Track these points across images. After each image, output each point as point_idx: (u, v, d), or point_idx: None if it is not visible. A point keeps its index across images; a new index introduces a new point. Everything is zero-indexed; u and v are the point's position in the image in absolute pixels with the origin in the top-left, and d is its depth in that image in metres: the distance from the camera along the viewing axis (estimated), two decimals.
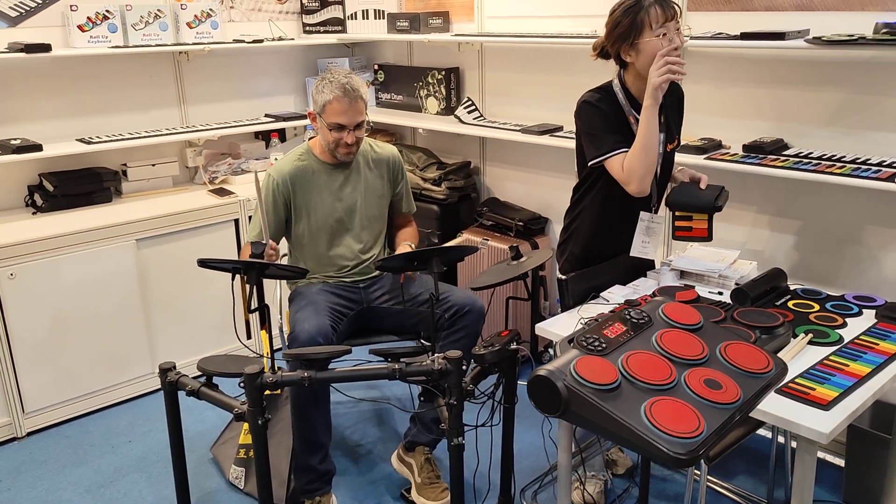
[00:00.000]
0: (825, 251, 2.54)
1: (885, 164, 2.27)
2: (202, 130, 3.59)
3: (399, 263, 2.16)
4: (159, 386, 3.27)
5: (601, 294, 2.19)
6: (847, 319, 2.02)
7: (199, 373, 2.10)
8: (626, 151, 2.14)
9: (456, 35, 3.39)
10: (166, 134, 3.49)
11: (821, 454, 2.60)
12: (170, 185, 3.66)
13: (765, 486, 2.52)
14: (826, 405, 1.60)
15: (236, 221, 3.44)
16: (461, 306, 2.46)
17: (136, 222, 3.13)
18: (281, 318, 2.96)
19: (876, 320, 2.01)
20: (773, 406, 1.60)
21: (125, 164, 3.52)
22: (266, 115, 3.91)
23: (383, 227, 2.73)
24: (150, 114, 3.60)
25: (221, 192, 3.52)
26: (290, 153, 2.68)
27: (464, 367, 1.94)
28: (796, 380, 1.70)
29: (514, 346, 2.06)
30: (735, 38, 2.37)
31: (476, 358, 2.04)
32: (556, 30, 3.12)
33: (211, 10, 3.55)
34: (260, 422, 1.89)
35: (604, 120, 2.16)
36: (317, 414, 2.34)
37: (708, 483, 2.54)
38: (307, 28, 3.98)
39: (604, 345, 1.42)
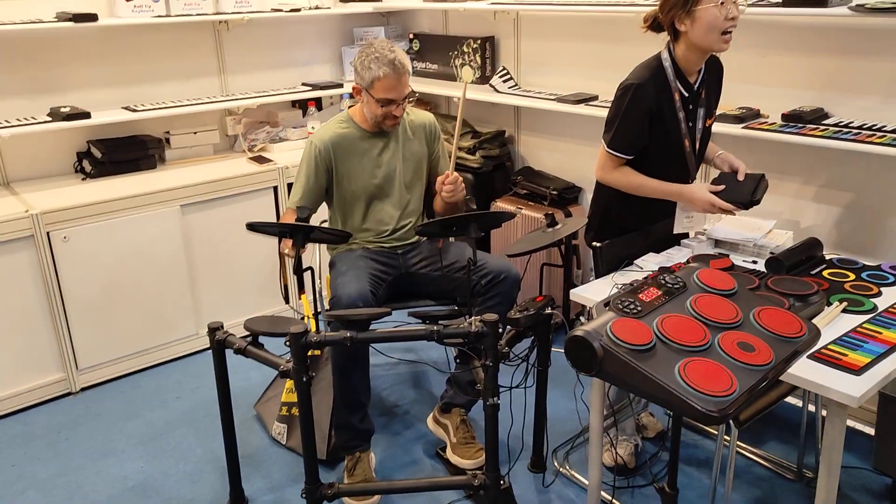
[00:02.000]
0: (862, 221, 2.53)
1: None
2: (241, 99, 3.66)
3: (438, 228, 2.22)
4: (204, 346, 3.44)
5: (635, 262, 2.23)
6: (882, 289, 2.03)
7: (246, 333, 2.20)
8: (627, 157, 2.21)
9: (493, 3, 3.39)
10: (207, 102, 3.57)
11: (851, 422, 2.63)
12: (210, 152, 3.75)
13: (794, 453, 2.56)
14: (858, 370, 1.63)
15: (275, 189, 3.52)
16: (497, 273, 2.51)
17: (180, 188, 3.23)
18: (321, 283, 3.05)
19: None
20: (806, 371, 1.63)
21: (168, 132, 3.62)
22: (303, 84, 3.96)
23: (422, 193, 2.78)
24: (191, 83, 3.68)
25: (260, 159, 3.60)
26: (331, 121, 2.73)
27: (500, 331, 2.00)
28: (829, 346, 1.73)
29: (548, 311, 2.12)
30: (777, 4, 2.35)
31: (511, 322, 2.10)
32: None
33: None
34: (304, 379, 1.98)
35: (630, 117, 2.17)
36: (357, 374, 2.42)
37: (738, 449, 2.59)
38: None
39: (639, 308, 1.47)
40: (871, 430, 2.60)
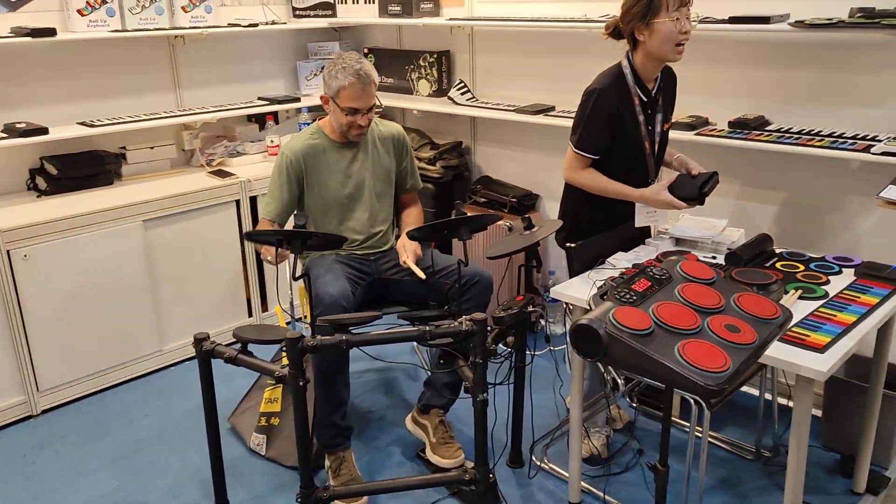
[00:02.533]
0: (804, 218, 2.76)
1: (859, 136, 2.49)
2: (198, 113, 3.65)
3: (429, 232, 2.30)
4: (169, 362, 3.40)
5: (607, 260, 2.37)
6: (830, 277, 2.23)
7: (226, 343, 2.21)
8: (592, 156, 2.38)
9: (451, 19, 3.51)
10: (164, 117, 3.54)
11: None
12: (167, 167, 3.72)
13: (751, 436, 2.74)
14: (821, 349, 1.80)
15: (237, 202, 3.52)
16: (471, 277, 2.61)
17: (142, 203, 3.20)
18: (292, 294, 3.08)
19: (855, 277, 2.24)
20: (776, 351, 1.79)
21: (124, 148, 3.57)
22: (259, 99, 3.98)
23: (392, 202, 2.86)
24: (145, 98, 3.64)
25: (221, 173, 3.60)
26: (302, 132, 2.78)
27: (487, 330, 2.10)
28: (793, 328, 1.90)
29: (530, 309, 2.23)
30: (724, 21, 2.55)
31: (496, 320, 2.20)
32: (545, 14, 3.26)
33: None
34: (301, 383, 2.02)
35: (594, 120, 2.34)
36: (340, 374, 2.47)
37: (698, 433, 2.76)
38: (297, 12, 4.05)
39: (634, 297, 1.59)
40: (818, 412, 2.81)
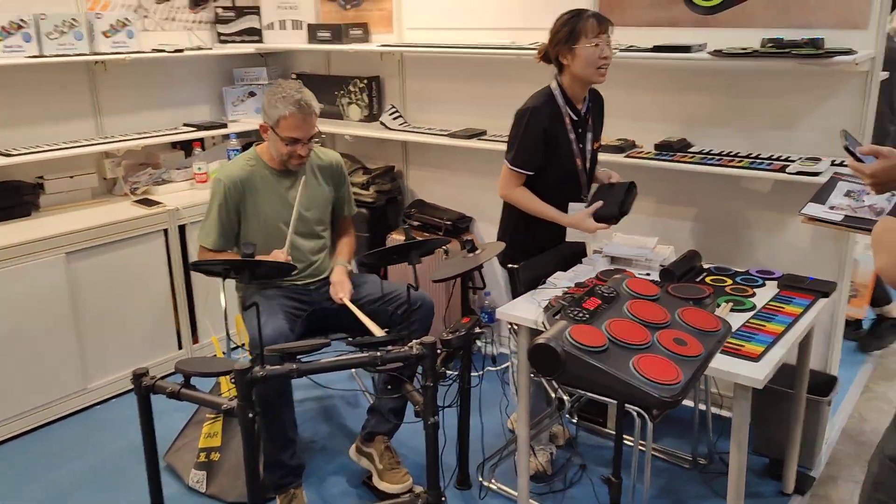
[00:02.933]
0: (725, 234, 2.91)
1: (774, 157, 2.66)
2: (120, 141, 3.54)
3: (379, 258, 2.29)
4: (96, 401, 3.24)
5: (548, 280, 2.44)
6: (755, 290, 2.37)
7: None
8: (527, 172, 2.48)
9: (382, 45, 3.55)
10: (83, 145, 3.42)
11: (727, 413, 2.96)
12: (89, 197, 3.58)
13: (686, 445, 2.85)
14: (756, 358, 1.91)
15: (165, 231, 3.42)
16: (414, 301, 2.62)
17: (63, 235, 3.07)
18: (227, 323, 3.00)
19: (778, 289, 2.38)
20: (715, 361, 1.88)
21: (41, 177, 3.41)
22: (184, 125, 3.89)
23: (329, 230, 2.84)
24: (63, 125, 3.50)
25: (147, 202, 3.48)
26: (238, 158, 2.74)
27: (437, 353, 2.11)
28: (729, 340, 2.00)
29: (477, 330, 2.26)
30: (648, 50, 2.69)
31: (444, 343, 2.22)
32: (475, 40, 3.34)
33: (127, 19, 3.51)
34: (251, 415, 1.98)
35: (528, 135, 2.46)
36: (285, 410, 2.42)
37: (641, 446, 2.85)
38: (222, 37, 4.00)
39: (587, 315, 1.64)
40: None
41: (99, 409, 3.24)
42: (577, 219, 2.50)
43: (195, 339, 3.63)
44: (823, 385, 2.70)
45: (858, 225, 1.76)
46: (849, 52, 2.36)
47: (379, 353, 2.05)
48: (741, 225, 2.87)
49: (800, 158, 2.58)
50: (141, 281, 3.35)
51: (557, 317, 1.67)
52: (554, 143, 2.48)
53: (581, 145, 2.55)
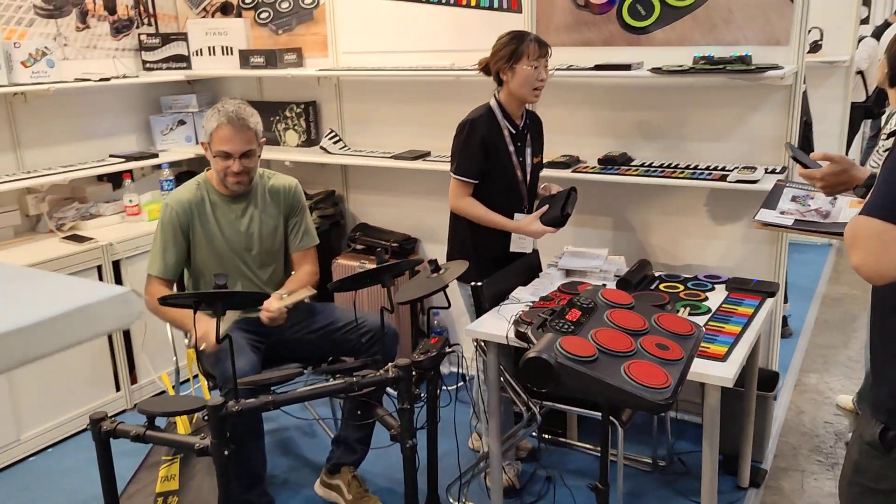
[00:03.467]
0: (670, 242, 3.03)
1: (711, 167, 2.81)
2: (44, 175, 3.36)
3: (351, 283, 2.26)
4: (30, 452, 3.03)
5: (510, 295, 2.47)
6: (707, 294, 2.48)
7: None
8: (472, 180, 2.57)
9: (320, 70, 3.52)
10: (5, 181, 3.23)
11: (683, 415, 3.07)
12: (11, 235, 3.37)
13: (644, 449, 2.93)
14: (722, 358, 2.00)
15: (99, 268, 3.26)
16: (376, 330, 2.59)
17: None
18: (176, 359, 2.88)
19: (727, 292, 2.50)
20: None
21: None
22: (111, 156, 3.73)
23: (283, 258, 2.77)
24: None
25: (77, 238, 3.31)
26: (187, 184, 2.66)
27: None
28: None
29: (447, 350, 2.26)
30: (590, 69, 2.79)
31: (416, 365, 2.21)
32: (415, 63, 3.37)
33: (46, 48, 3.36)
34: (226, 452, 1.90)
35: (469, 146, 2.56)
36: (255, 445, 2.35)
37: (596, 451, 2.91)
38: (147, 65, 3.87)
39: (571, 326, 1.68)
40: (699, 419, 3.07)
41: (34, 461, 3.04)
42: (524, 223, 2.60)
43: (133, 380, 3.46)
44: (768, 381, 2.84)
45: (808, 228, 1.88)
46: (776, 67, 2.52)
47: (354, 379, 2.02)
48: (683, 233, 3.00)
49: (736, 168, 2.73)
50: (136, 293, 3.17)
51: (541, 330, 1.70)
52: (494, 152, 2.58)
53: (521, 158, 2.65)
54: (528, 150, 2.68)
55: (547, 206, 2.60)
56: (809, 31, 4.95)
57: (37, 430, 3.08)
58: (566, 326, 1.67)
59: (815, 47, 5.05)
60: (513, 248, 2.68)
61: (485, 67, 2.61)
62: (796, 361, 3.74)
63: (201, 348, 2.28)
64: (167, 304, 2.03)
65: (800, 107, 2.70)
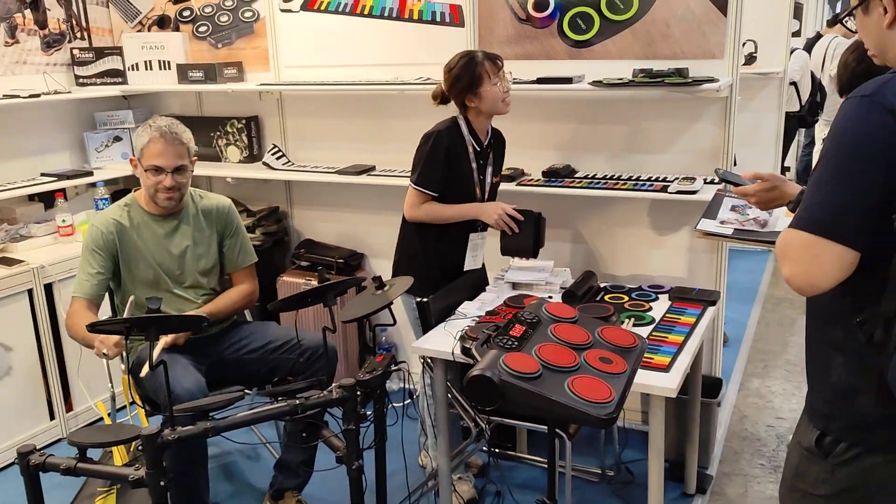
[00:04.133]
0: (613, 253, 3.06)
1: (653, 178, 2.85)
2: None
3: (293, 302, 2.20)
4: None
5: (457, 310, 2.46)
6: (651, 304, 2.51)
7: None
8: (432, 195, 2.53)
9: (261, 84, 3.46)
10: None
11: (628, 424, 3.09)
12: None
13: (591, 460, 2.93)
14: (665, 368, 2.02)
15: (30, 291, 3.13)
16: (315, 349, 2.55)
17: None
18: (112, 385, 2.77)
19: (671, 301, 2.53)
20: None
21: None
22: (43, 175, 3.59)
23: (218, 278, 2.70)
24: None
25: (7, 261, 3.17)
26: (114, 205, 2.59)
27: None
28: None
29: (394, 368, 2.22)
30: (532, 82, 2.81)
31: (362, 384, 2.17)
32: (357, 77, 3.34)
33: None
34: (163, 483, 1.83)
35: (432, 157, 2.51)
36: (199, 472, 2.27)
37: (561, 466, 2.91)
38: (80, 80, 3.75)
39: (515, 342, 1.66)
40: (645, 428, 3.09)
41: None
42: (486, 203, 2.60)
43: (69, 407, 3.32)
44: (711, 387, 2.88)
45: (747, 237, 1.92)
46: (712, 80, 2.58)
47: (298, 401, 1.97)
48: (626, 243, 3.03)
49: (676, 178, 2.78)
50: (3, 347, 3.04)
51: (485, 346, 1.68)
52: (457, 166, 2.55)
53: (481, 177, 2.63)
54: (489, 170, 2.66)
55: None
56: (744, 44, 5.11)
57: None
58: (510, 342, 1.66)
59: (751, 59, 5.20)
60: (467, 267, 2.65)
61: (441, 98, 2.57)
62: (739, 366, 3.82)
63: (103, 353, 2.17)
64: (97, 331, 1.95)
65: (734, 118, 2.77)
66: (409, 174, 2.59)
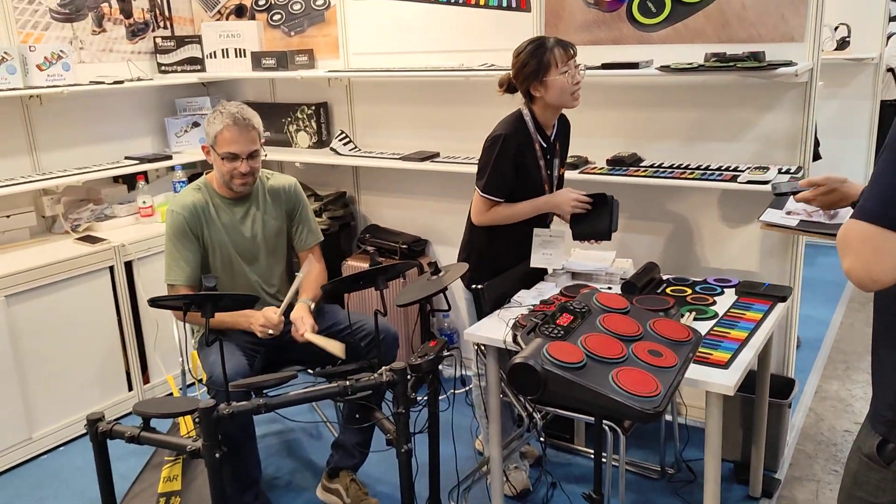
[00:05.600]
0: (680, 245, 2.96)
1: (723, 168, 2.73)
2: (59, 177, 3.40)
3: (346, 285, 2.24)
4: (42, 450, 3.07)
5: (512, 298, 2.43)
6: (715, 298, 2.41)
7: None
8: (500, 201, 2.44)
9: (330, 71, 3.52)
10: (21, 182, 3.28)
11: (691, 422, 2.99)
12: (27, 236, 3.42)
13: (652, 456, 2.86)
14: (725, 365, 1.94)
15: (111, 269, 3.29)
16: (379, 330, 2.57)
17: (2, 278, 2.91)
18: (184, 360, 2.89)
19: (737, 296, 2.43)
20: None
21: None
22: (126, 158, 3.77)
23: (285, 259, 2.76)
24: None
25: (91, 239, 3.35)
26: (187, 188, 2.65)
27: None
28: None
29: (446, 353, 2.23)
30: (597, 67, 2.74)
31: (413, 368, 2.18)
32: (424, 64, 3.35)
33: (62, 51, 3.40)
34: (218, 455, 1.89)
35: (499, 162, 2.41)
36: (248, 448, 2.34)
37: (615, 460, 2.85)
38: (163, 68, 3.90)
39: (561, 332, 1.64)
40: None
41: (46, 459, 3.08)
42: (556, 193, 2.52)
43: (146, 379, 3.49)
44: (783, 388, 2.75)
45: (813, 229, 1.82)
46: (789, 63, 2.44)
47: (348, 383, 2.00)
48: (694, 235, 2.93)
49: (748, 168, 2.66)
50: (87, 321, 3.21)
51: (531, 335, 1.66)
52: (525, 169, 2.46)
53: (549, 172, 2.54)
54: (556, 162, 2.56)
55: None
56: (836, 28, 4.84)
57: (48, 428, 3.12)
58: (556, 331, 1.63)
59: (843, 44, 4.91)
60: (534, 264, 2.55)
61: (508, 87, 2.47)
62: (817, 367, 3.64)
63: (269, 333, 2.37)
64: (157, 306, 2.03)
65: (815, 106, 2.62)
66: (471, 160, 2.53)
